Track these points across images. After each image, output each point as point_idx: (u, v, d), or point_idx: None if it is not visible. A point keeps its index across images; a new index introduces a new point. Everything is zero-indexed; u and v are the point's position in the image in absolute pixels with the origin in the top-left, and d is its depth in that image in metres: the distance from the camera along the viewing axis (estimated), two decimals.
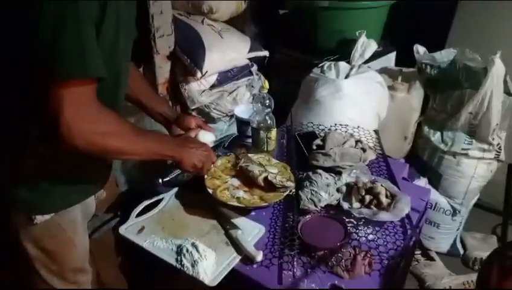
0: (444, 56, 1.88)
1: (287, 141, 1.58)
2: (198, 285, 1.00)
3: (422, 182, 2.02)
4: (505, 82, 1.73)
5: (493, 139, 1.82)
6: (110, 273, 1.38)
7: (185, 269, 1.02)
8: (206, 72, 1.79)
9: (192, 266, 1.01)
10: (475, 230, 2.17)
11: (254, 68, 2.04)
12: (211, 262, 1.03)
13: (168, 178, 1.16)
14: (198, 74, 1.79)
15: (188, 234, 1.13)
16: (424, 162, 2.03)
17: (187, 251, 1.05)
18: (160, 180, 1.14)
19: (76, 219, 1.10)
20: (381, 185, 1.23)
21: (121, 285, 1.43)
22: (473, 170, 1.88)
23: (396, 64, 2.28)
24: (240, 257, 1.07)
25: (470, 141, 1.85)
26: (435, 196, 1.97)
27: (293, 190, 1.25)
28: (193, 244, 1.06)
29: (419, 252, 2.07)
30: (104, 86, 0.88)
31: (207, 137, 1.28)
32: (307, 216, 1.17)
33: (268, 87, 1.36)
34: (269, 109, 1.38)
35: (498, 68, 1.67)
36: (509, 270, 0.86)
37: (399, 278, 1.57)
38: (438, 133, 1.94)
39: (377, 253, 1.08)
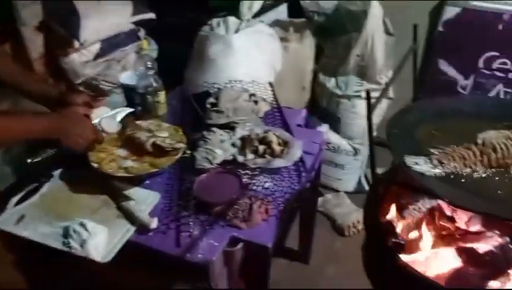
0: (329, 2, 1.92)
1: (181, 103, 1.52)
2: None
3: (324, 128, 2.10)
4: (384, 23, 1.82)
5: (381, 78, 1.93)
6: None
7: (73, 250, 0.95)
8: (85, 41, 1.63)
9: (81, 245, 0.95)
10: (376, 166, 2.33)
11: (142, 33, 1.91)
12: (102, 238, 0.97)
13: (39, 158, 1.05)
14: (76, 44, 1.63)
15: (77, 214, 1.04)
16: (324, 108, 2.11)
17: (74, 231, 0.97)
18: (29, 161, 1.03)
19: None
20: (274, 134, 1.24)
21: (18, 285, 1.30)
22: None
23: (290, 16, 2.29)
24: (134, 228, 1.02)
25: (360, 83, 1.94)
26: (336, 139, 2.07)
27: (188, 152, 1.21)
28: (81, 224, 0.98)
29: (329, 194, 2.19)
30: None
31: (100, 112, 1.18)
32: (202, 175, 1.14)
33: (147, 47, 1.28)
34: (152, 71, 1.30)
35: (376, 10, 1.74)
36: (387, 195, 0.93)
37: (307, 217, 1.65)
38: (333, 79, 2.01)
39: (273, 199, 1.10)
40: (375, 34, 1.78)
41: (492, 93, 2.00)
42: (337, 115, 2.04)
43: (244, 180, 1.14)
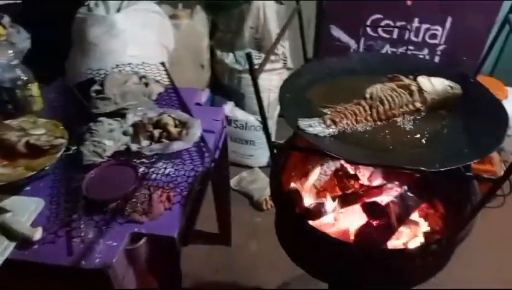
0: None
1: (63, 96, 1.35)
2: None
3: (229, 106, 2.06)
4: None
5: (277, 49, 1.92)
6: None
7: None
8: None
9: None
10: (284, 138, 2.36)
11: (6, 20, 1.65)
12: None
13: None
14: None
15: None
16: (226, 86, 2.05)
17: None
18: None
19: None
20: (169, 116, 1.15)
21: None
22: (268, 83, 1.98)
23: None
24: (14, 244, 0.87)
25: (259, 56, 1.92)
26: (243, 116, 2.04)
27: (74, 147, 1.07)
28: None
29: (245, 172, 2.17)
30: None
31: None
32: (92, 171, 1.02)
33: (4, 33, 1.09)
34: (17, 61, 1.12)
35: None
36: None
37: (222, 197, 1.60)
38: (231, 54, 1.95)
39: (175, 185, 1.02)
40: (266, 4, 1.75)
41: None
42: (240, 91, 2.00)
43: (141, 169, 1.04)
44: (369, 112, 0.81)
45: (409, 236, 1.01)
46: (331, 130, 0.78)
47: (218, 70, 2.06)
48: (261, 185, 2.07)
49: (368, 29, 2.08)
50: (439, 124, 0.82)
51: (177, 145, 1.08)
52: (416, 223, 1.02)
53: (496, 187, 0.66)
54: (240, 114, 2.03)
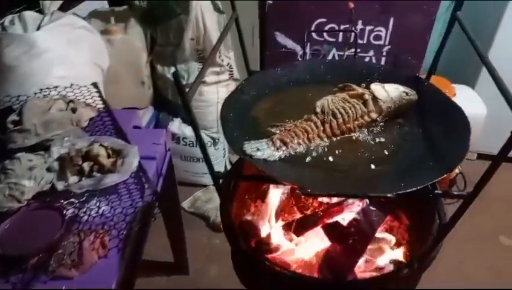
0: None
1: None
2: None
3: (176, 122, 1.93)
4: (212, 0, 1.70)
5: (222, 60, 1.82)
6: None
7: None
8: None
9: None
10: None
11: None
12: None
13: None
14: None
15: None
16: (171, 102, 1.92)
17: None
18: None
19: None
20: (101, 145, 1.01)
21: None
22: (216, 96, 1.87)
23: (110, 5, 2.01)
24: None
25: None
26: (191, 132, 1.91)
27: None
28: None
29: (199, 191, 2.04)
30: None
31: None
32: (7, 220, 0.85)
33: None
34: None
35: None
36: None
37: (173, 225, 1.46)
38: (172, 69, 1.83)
39: (110, 227, 0.88)
40: (204, 14, 1.64)
41: (329, 58, 2.07)
42: None
43: (69, 211, 0.89)
44: (322, 128, 0.72)
45: (376, 253, 0.94)
46: (281, 152, 0.68)
47: (161, 86, 1.93)
48: (217, 204, 1.94)
49: (313, 34, 2.04)
50: (397, 135, 0.75)
51: (111, 179, 0.94)
52: (381, 239, 0.95)
53: (467, 204, 0.59)
54: (188, 131, 1.91)
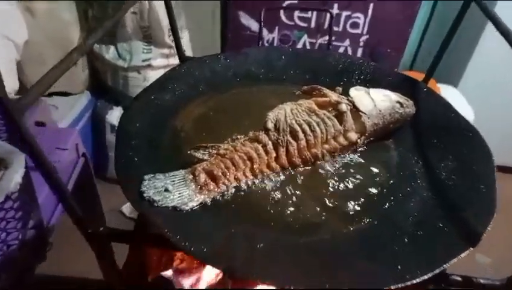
0: None
1: None
2: None
3: (116, 112, 1.62)
4: None
5: (172, 40, 1.52)
6: None
7: None
8: None
9: None
10: None
11: None
12: None
13: None
14: None
15: None
16: (111, 87, 1.61)
17: None
18: None
19: None
20: None
21: None
22: None
23: None
24: None
25: (148, 49, 1.50)
26: None
27: None
28: None
29: None
30: None
31: None
32: None
33: None
34: None
35: None
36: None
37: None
38: (112, 48, 1.52)
39: None
40: None
41: (298, 46, 1.82)
42: (127, 93, 1.57)
43: None
44: (274, 154, 0.47)
45: None
46: (206, 194, 0.42)
47: (99, 69, 1.61)
48: None
49: (283, 16, 1.78)
50: (386, 169, 0.50)
51: None
52: None
53: None
54: None
